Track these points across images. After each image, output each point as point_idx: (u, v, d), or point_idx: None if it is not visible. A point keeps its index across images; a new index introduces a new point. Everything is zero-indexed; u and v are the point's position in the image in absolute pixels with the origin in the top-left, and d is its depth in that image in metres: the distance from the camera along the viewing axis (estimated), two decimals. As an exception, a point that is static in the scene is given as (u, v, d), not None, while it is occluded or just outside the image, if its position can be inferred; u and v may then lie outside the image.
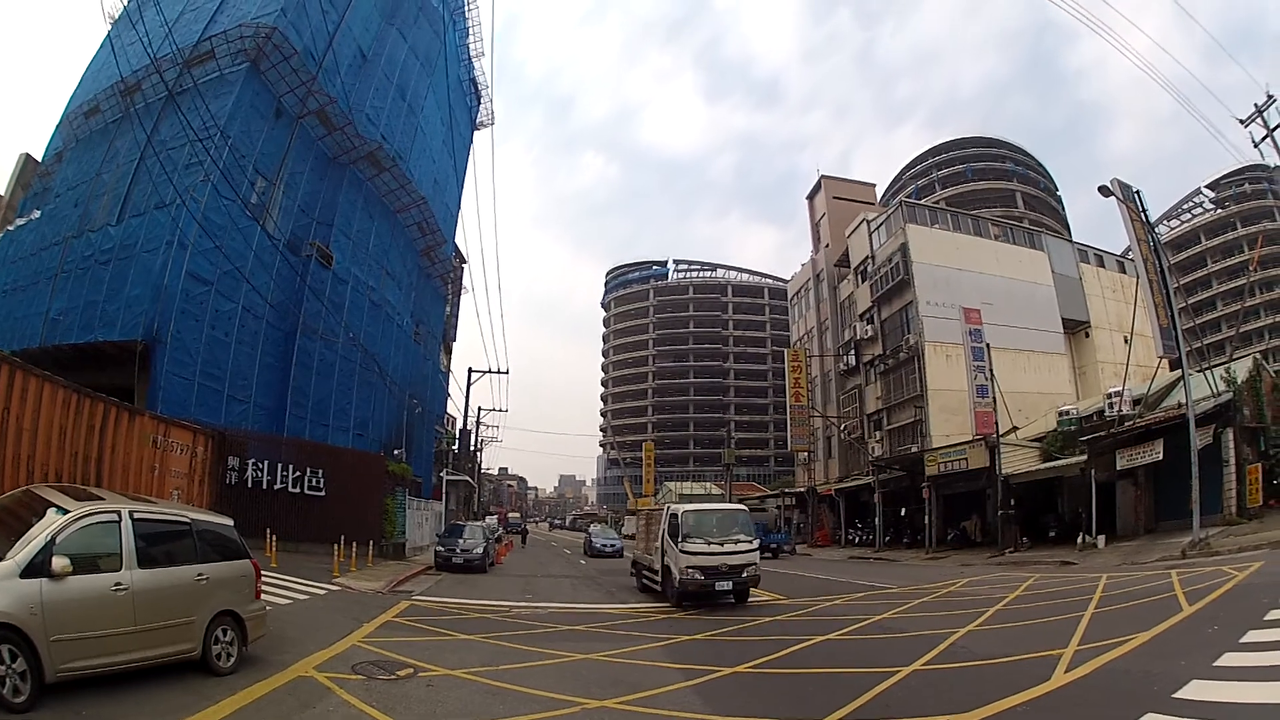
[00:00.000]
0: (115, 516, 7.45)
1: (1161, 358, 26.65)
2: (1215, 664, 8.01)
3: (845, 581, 22.98)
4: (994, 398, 33.56)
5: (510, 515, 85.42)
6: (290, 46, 27.58)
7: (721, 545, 16.20)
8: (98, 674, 6.90)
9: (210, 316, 24.55)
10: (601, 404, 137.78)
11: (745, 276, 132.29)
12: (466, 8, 46.14)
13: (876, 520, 40.24)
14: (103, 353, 23.41)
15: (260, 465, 22.31)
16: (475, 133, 50.12)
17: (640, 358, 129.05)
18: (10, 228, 29.57)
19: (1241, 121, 25.86)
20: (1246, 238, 79.56)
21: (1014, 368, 40.58)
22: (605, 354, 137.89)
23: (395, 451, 34.67)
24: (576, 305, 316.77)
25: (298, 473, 23.31)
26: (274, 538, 19.79)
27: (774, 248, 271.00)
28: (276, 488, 22.60)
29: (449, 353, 56.50)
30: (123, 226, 24.86)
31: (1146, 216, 25.22)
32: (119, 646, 7.07)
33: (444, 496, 43.90)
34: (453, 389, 54.50)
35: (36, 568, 6.41)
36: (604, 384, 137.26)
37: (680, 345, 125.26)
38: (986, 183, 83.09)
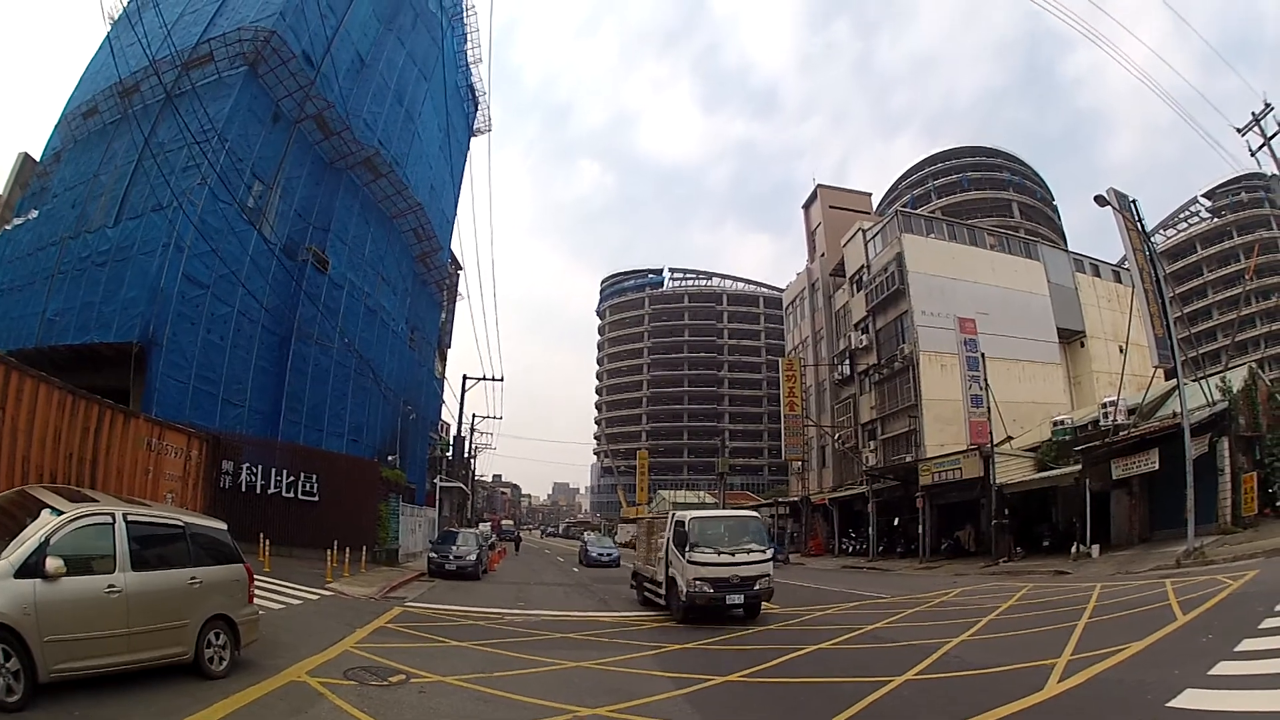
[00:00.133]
0: (109, 519, 7.46)
1: (1157, 367, 26.76)
2: (1210, 673, 8.02)
3: (838, 591, 22.97)
4: (989, 407, 33.62)
5: (504, 522, 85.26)
6: (289, 50, 27.63)
7: (732, 555, 15.08)
8: (91, 675, 6.90)
9: (206, 320, 24.51)
10: (596, 412, 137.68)
11: (741, 285, 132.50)
12: (464, 14, 46.21)
13: (870, 530, 40.25)
14: (98, 354, 23.34)
15: (254, 469, 22.28)
16: (472, 139, 50.21)
17: (635, 366, 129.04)
18: (8, 227, 29.49)
19: (1239, 130, 25.96)
20: (1243, 246, 79.69)
21: (1009, 377, 40.64)
22: (600, 362, 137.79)
23: (389, 457, 34.61)
24: (571, 313, 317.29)
25: (291, 477, 23.28)
26: (267, 542, 19.71)
27: (770, 257, 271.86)
28: (270, 492, 22.56)
29: (444, 359, 56.40)
30: (120, 228, 24.82)
31: (1142, 226, 25.32)
32: (112, 648, 7.07)
33: (437, 503, 43.85)
34: (447, 396, 54.24)
35: (30, 568, 6.43)
36: (598, 392, 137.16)
37: (675, 354, 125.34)
38: (982, 192, 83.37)
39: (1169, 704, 7.10)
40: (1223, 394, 24.58)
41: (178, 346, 23.28)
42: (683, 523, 15.84)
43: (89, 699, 6.75)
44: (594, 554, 38.72)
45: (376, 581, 20.64)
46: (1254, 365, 29.54)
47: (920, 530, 35.53)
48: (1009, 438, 35.89)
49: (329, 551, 20.55)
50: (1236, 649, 8.91)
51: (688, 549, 15.15)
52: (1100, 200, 23.69)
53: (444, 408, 52.80)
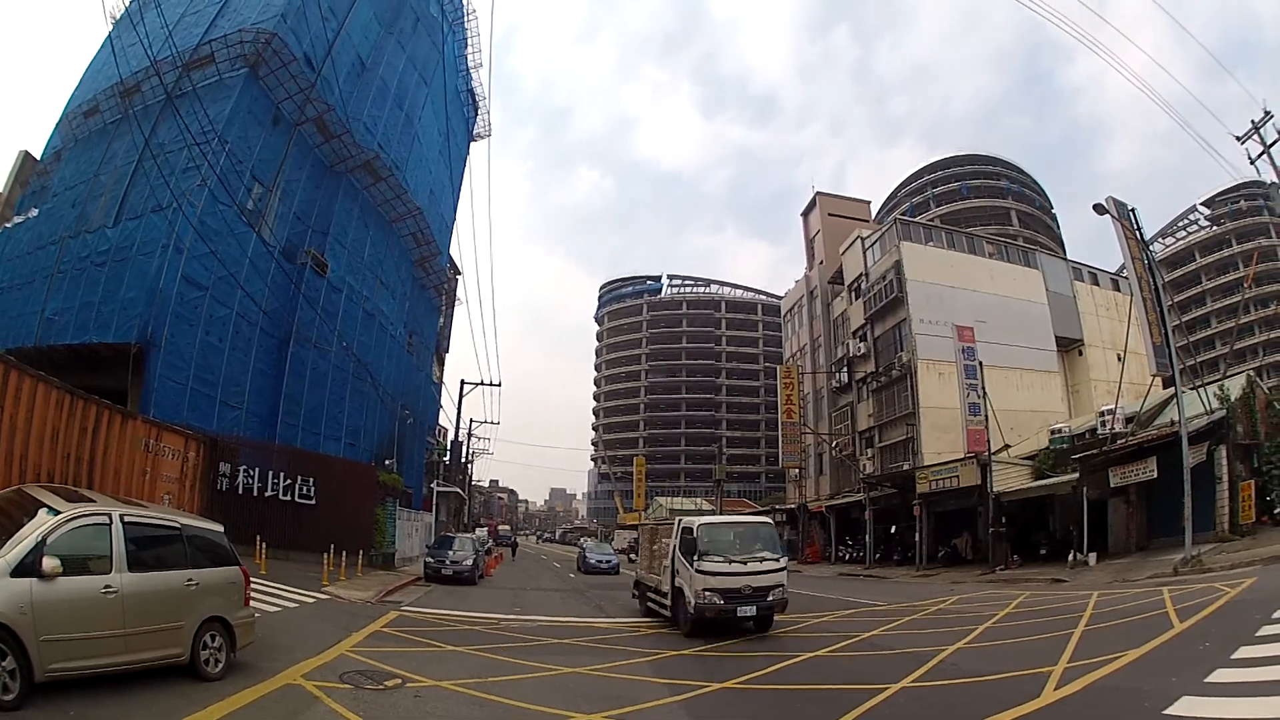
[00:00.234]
0: (106, 519, 7.46)
1: (1155, 375, 26.73)
2: (1207, 680, 8.01)
3: (835, 598, 22.95)
4: (986, 415, 33.61)
5: (500, 528, 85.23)
6: (290, 53, 27.72)
7: (744, 564, 14.18)
8: (87, 675, 6.89)
9: (205, 321, 24.56)
10: (593, 418, 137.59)
11: (739, 292, 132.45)
12: (465, 18, 46.33)
13: (867, 537, 40.17)
14: (97, 354, 23.36)
15: (251, 472, 22.25)
16: (472, 144, 50.34)
17: (633, 372, 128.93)
18: (8, 225, 29.53)
19: (1238, 138, 25.92)
20: (1242, 255, 79.65)
21: (1006, 385, 40.64)
22: (598, 368, 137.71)
23: (386, 461, 34.60)
24: (569, 319, 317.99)
25: (289, 480, 23.26)
26: (264, 545, 19.67)
27: (768, 264, 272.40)
28: (267, 495, 22.54)
29: (442, 364, 56.45)
30: (119, 228, 24.87)
31: (1141, 234, 25.30)
32: (108, 649, 7.05)
33: (434, 508, 43.78)
34: (445, 400, 54.26)
35: (27, 567, 6.42)
36: (596, 398, 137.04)
37: (673, 360, 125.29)
38: (981, 200, 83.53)
39: (1165, 711, 7.10)
40: (1221, 402, 24.56)
41: (176, 348, 23.32)
42: (690, 529, 14.85)
43: (85, 699, 6.73)
44: (593, 561, 37.73)
45: (373, 585, 20.61)
46: (1252, 373, 29.55)
47: (917, 538, 35.47)
48: (1006, 446, 35.87)
49: (326, 555, 20.46)
50: (1233, 656, 8.89)
51: (696, 557, 14.14)
52: (1099, 209, 23.73)
53: (441, 412, 52.93)
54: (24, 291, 25.91)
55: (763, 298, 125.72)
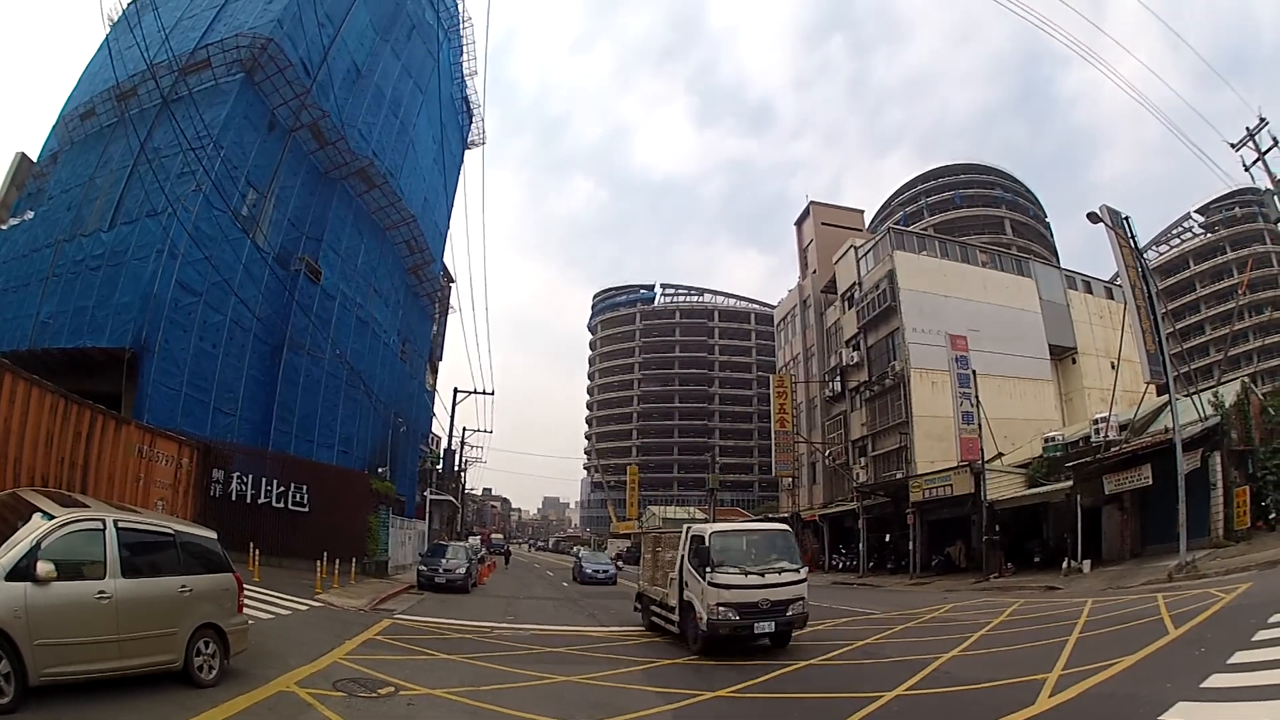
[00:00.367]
0: (100, 524, 7.46)
1: (1149, 383, 26.79)
2: (1202, 686, 8.03)
3: (829, 607, 22.88)
4: (979, 424, 33.71)
5: (493, 536, 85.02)
6: (285, 58, 27.71)
7: (761, 575, 13.03)
8: (81, 681, 6.86)
9: (198, 327, 24.48)
10: (586, 427, 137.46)
11: (732, 302, 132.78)
12: (461, 26, 46.35)
13: (861, 546, 40.23)
14: (91, 359, 23.24)
15: (245, 479, 22.13)
16: (466, 151, 50.32)
17: (626, 381, 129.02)
18: (3, 227, 29.37)
19: (1233, 145, 26.08)
20: (1236, 262, 79.88)
21: (1000, 394, 40.75)
22: (591, 377, 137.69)
23: (379, 469, 34.50)
24: (563, 328, 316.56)
25: (282, 487, 23.14)
26: (257, 552, 19.61)
27: (762, 273, 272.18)
28: (261, 502, 22.42)
29: (435, 372, 56.36)
30: (114, 232, 24.78)
31: (1135, 242, 25.41)
32: (101, 654, 7.04)
33: (427, 516, 43.65)
34: (438, 408, 54.17)
35: (21, 571, 6.41)
36: (589, 407, 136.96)
37: (666, 369, 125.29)
38: (975, 209, 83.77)
39: (1160, 717, 7.11)
40: (1215, 409, 24.67)
41: (170, 353, 23.23)
42: (702, 538, 13.63)
43: (79, 704, 6.71)
44: (589, 571, 36.07)
45: (366, 593, 20.55)
46: (1246, 379, 29.68)
47: (911, 546, 35.51)
48: (1000, 454, 35.93)
49: (319, 562, 20.43)
50: (1229, 661, 8.92)
51: (710, 569, 12.96)
52: (1093, 217, 23.83)
53: (434, 420, 52.81)
54: (19, 294, 25.78)
55: (756, 307, 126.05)
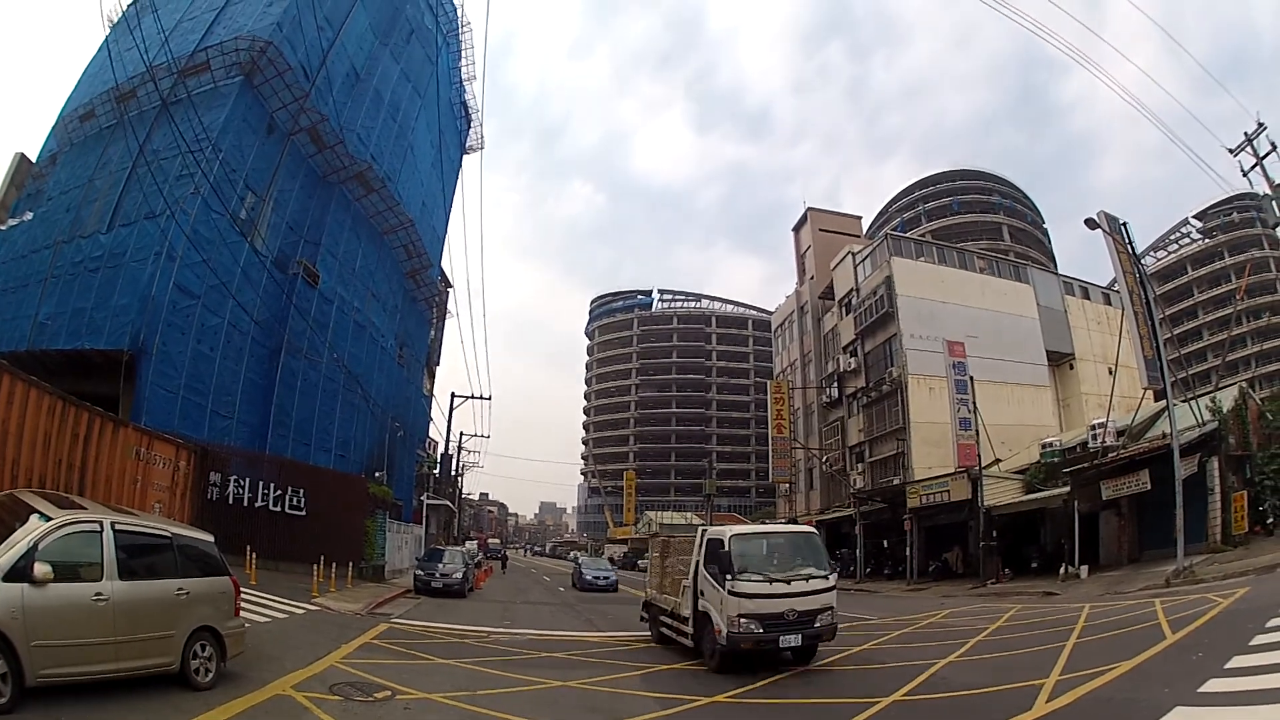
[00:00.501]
0: (97, 526, 7.46)
1: (1146, 388, 26.79)
2: (1200, 690, 8.04)
3: (827, 611, 22.84)
4: (977, 430, 33.72)
5: (490, 541, 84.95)
6: (285, 62, 27.74)
7: (787, 583, 11.76)
8: (77, 682, 6.86)
9: (196, 330, 24.46)
10: (583, 432, 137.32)
11: (729, 307, 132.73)
12: (460, 30, 46.45)
13: (858, 551, 40.24)
14: (89, 360, 23.22)
15: (242, 482, 22.10)
16: (464, 156, 50.39)
17: (623, 386, 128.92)
18: (2, 228, 29.34)
19: (1231, 151, 26.00)
20: (1234, 267, 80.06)
21: (997, 400, 40.75)
22: (588, 382, 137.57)
23: (376, 474, 34.48)
24: (560, 333, 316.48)
25: (279, 491, 23.12)
26: (254, 555, 19.55)
27: (759, 279, 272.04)
28: (258, 505, 22.38)
29: (432, 377, 56.33)
30: (113, 234, 24.77)
31: (1133, 248, 25.43)
32: (98, 656, 7.04)
33: (424, 520, 43.65)
34: (435, 413, 54.16)
35: (19, 572, 6.41)
36: (586, 412, 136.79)
37: (663, 375, 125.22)
38: (973, 216, 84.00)
39: (1159, 721, 7.10)
40: (1213, 414, 24.71)
41: (167, 356, 23.20)
42: (720, 541, 12.32)
43: (75, 705, 6.71)
44: (589, 577, 34.53)
45: (363, 597, 20.52)
46: (1244, 385, 29.70)
47: (908, 552, 35.53)
48: (997, 460, 35.97)
49: (316, 566, 20.43)
50: (1227, 666, 8.92)
51: (728, 576, 11.69)
52: (1091, 223, 23.85)
53: (432, 425, 52.77)
54: (17, 295, 25.73)
55: (753, 313, 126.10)
